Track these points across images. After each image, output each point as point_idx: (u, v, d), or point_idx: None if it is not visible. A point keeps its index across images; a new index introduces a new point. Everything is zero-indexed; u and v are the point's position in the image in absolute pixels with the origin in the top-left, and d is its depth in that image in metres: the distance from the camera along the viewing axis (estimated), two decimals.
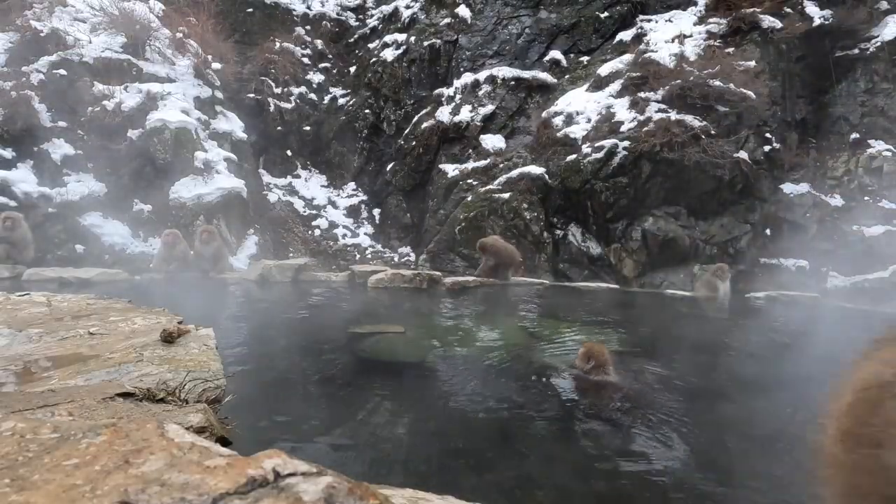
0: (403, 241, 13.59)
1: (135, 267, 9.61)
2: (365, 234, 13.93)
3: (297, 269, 7.98)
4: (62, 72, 10.97)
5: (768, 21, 11.40)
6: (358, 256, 13.48)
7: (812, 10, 11.49)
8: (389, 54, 14.70)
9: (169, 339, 2.59)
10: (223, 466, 0.88)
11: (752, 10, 11.48)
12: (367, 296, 7.46)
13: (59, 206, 9.94)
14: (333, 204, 14.46)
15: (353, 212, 14.34)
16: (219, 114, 12.37)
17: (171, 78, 11.87)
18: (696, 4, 12.60)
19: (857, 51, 11.08)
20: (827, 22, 11.35)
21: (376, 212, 14.21)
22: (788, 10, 11.46)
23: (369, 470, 2.57)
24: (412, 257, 13.07)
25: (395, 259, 13.22)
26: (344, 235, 13.77)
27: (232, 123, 12.49)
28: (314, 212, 14.12)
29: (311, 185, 14.73)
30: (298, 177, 14.82)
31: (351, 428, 3.11)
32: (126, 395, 1.88)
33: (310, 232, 13.57)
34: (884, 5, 11.21)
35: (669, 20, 12.62)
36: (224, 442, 1.75)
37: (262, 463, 0.90)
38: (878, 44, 10.86)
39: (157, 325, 2.96)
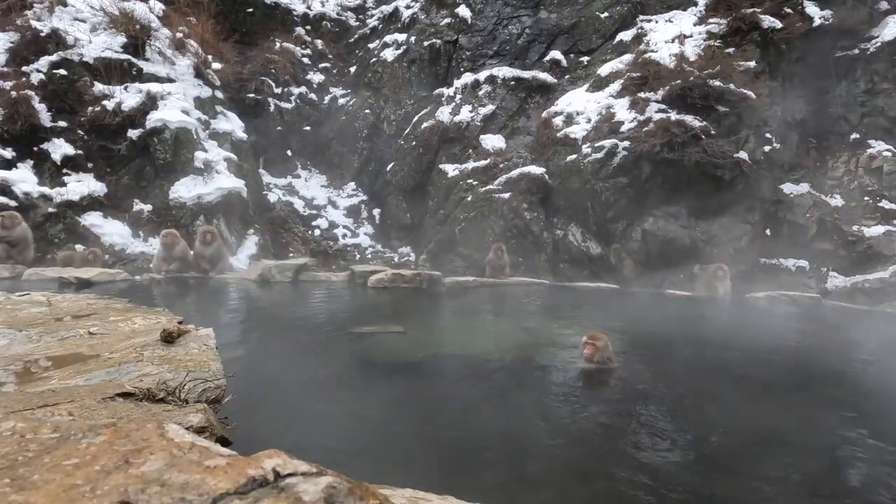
0: (403, 241, 13.58)
1: (135, 267, 9.62)
2: (365, 234, 13.93)
3: (297, 270, 7.99)
4: (62, 72, 10.97)
5: (768, 21, 11.39)
6: (358, 256, 13.47)
7: (812, 10, 11.48)
8: (389, 54, 14.70)
9: (169, 339, 2.59)
10: (223, 466, 0.88)
11: (752, 10, 11.46)
12: (367, 296, 7.48)
13: (59, 206, 9.94)
14: (333, 204, 14.46)
15: (353, 212, 14.33)
16: (219, 114, 12.37)
17: (171, 78, 11.86)
18: (696, 5, 12.59)
19: (857, 51, 11.08)
20: (827, 22, 11.34)
21: (376, 212, 14.20)
22: (788, 10, 11.45)
23: (369, 470, 2.57)
24: (412, 257, 13.06)
25: (396, 259, 13.22)
26: (344, 235, 13.76)
27: (232, 123, 12.48)
28: (314, 212, 14.11)
29: (312, 185, 14.73)
30: (298, 177, 14.82)
31: (351, 428, 3.11)
32: (126, 395, 1.87)
33: (310, 232, 13.56)
34: (884, 5, 11.20)
35: (669, 20, 12.61)
36: (224, 442, 1.75)
37: (263, 463, 0.89)
38: (879, 44, 10.85)
39: (157, 325, 2.96)
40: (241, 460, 0.90)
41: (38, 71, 10.85)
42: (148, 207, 10.93)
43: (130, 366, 2.25)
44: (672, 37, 12.03)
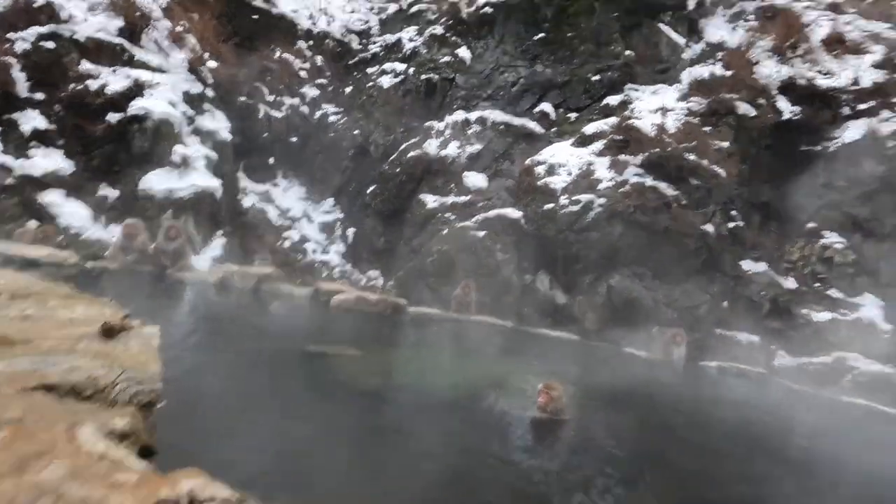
0: (374, 264, 13.46)
1: (89, 252, 9.17)
2: (336, 252, 13.76)
3: (259, 279, 7.76)
4: (50, 45, 10.69)
5: (744, 108, 12.19)
6: (325, 273, 13.24)
7: (783, 104, 12.36)
8: (387, 81, 14.97)
9: (109, 333, 2.44)
10: (133, 483, 0.80)
11: (729, 95, 12.27)
12: (329, 315, 7.30)
13: (18, 178, 9.49)
14: (308, 217, 14.29)
15: (327, 228, 14.19)
16: (206, 111, 12.23)
17: (163, 69, 11.72)
18: (679, 83, 13.38)
19: (819, 147, 11.91)
20: (795, 117, 12.22)
21: (350, 231, 14.10)
22: (762, 101, 12.30)
23: (301, 499, 2.44)
24: (380, 282, 12.93)
25: (363, 282, 13.05)
26: (314, 250, 13.56)
27: (218, 122, 12.34)
28: (287, 222, 13.90)
29: (289, 195, 14.56)
30: (277, 185, 14.63)
31: (287, 451, 2.96)
32: (49, 389, 1.74)
33: (279, 242, 13.30)
34: (846, 111, 12.17)
35: (654, 93, 13.33)
36: (148, 451, 1.63)
37: (179, 484, 0.82)
38: (839, 144, 11.70)
39: (100, 316, 2.79)
40: (156, 479, 0.82)
41: (24, 40, 10.55)
42: (115, 194, 10.55)
43: (61, 356, 2.10)
44: (655, 108, 12.69)
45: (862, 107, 12.07)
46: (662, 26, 13.92)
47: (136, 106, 10.76)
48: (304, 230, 13.91)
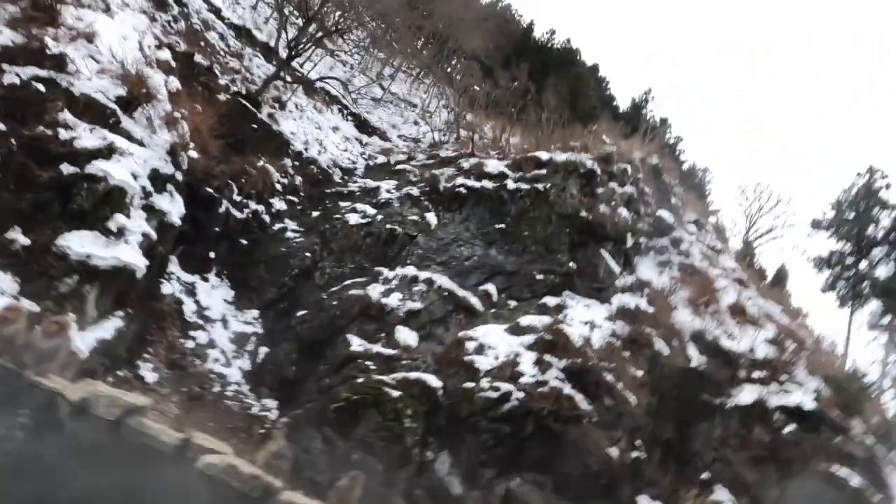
0: (275, 393, 12.38)
1: None
2: (239, 368, 12.69)
3: (128, 410, 6.53)
4: (40, 87, 10.75)
5: (660, 345, 13.36)
6: (217, 388, 12.00)
7: (693, 352, 13.69)
8: (354, 219, 15.72)
9: None
10: None
11: (649, 330, 13.52)
12: (189, 482, 6.09)
13: None
14: (225, 323, 13.43)
15: (240, 340, 13.27)
16: (166, 192, 12.10)
17: (143, 143, 11.85)
18: (610, 304, 14.72)
19: (718, 401, 12.91)
20: (701, 367, 13.43)
21: (263, 350, 13.22)
22: (676, 343, 13.59)
23: None
24: (273, 415, 11.76)
25: (254, 409, 11.84)
26: (216, 359, 12.46)
27: (174, 206, 12.15)
28: (200, 321, 12.97)
29: (215, 294, 13.84)
30: (206, 280, 13.98)
31: None
32: None
33: (182, 340, 12.22)
34: (743, 374, 13.55)
35: (587, 306, 14.48)
36: None
37: None
38: (734, 404, 12.76)
39: None
40: None
41: (17, 75, 10.59)
42: (25, 241, 9.66)
43: None
44: (586, 320, 13.68)
45: (756, 374, 13.51)
46: (604, 252, 15.80)
47: (95, 166, 10.55)
48: (214, 334, 12.95)
